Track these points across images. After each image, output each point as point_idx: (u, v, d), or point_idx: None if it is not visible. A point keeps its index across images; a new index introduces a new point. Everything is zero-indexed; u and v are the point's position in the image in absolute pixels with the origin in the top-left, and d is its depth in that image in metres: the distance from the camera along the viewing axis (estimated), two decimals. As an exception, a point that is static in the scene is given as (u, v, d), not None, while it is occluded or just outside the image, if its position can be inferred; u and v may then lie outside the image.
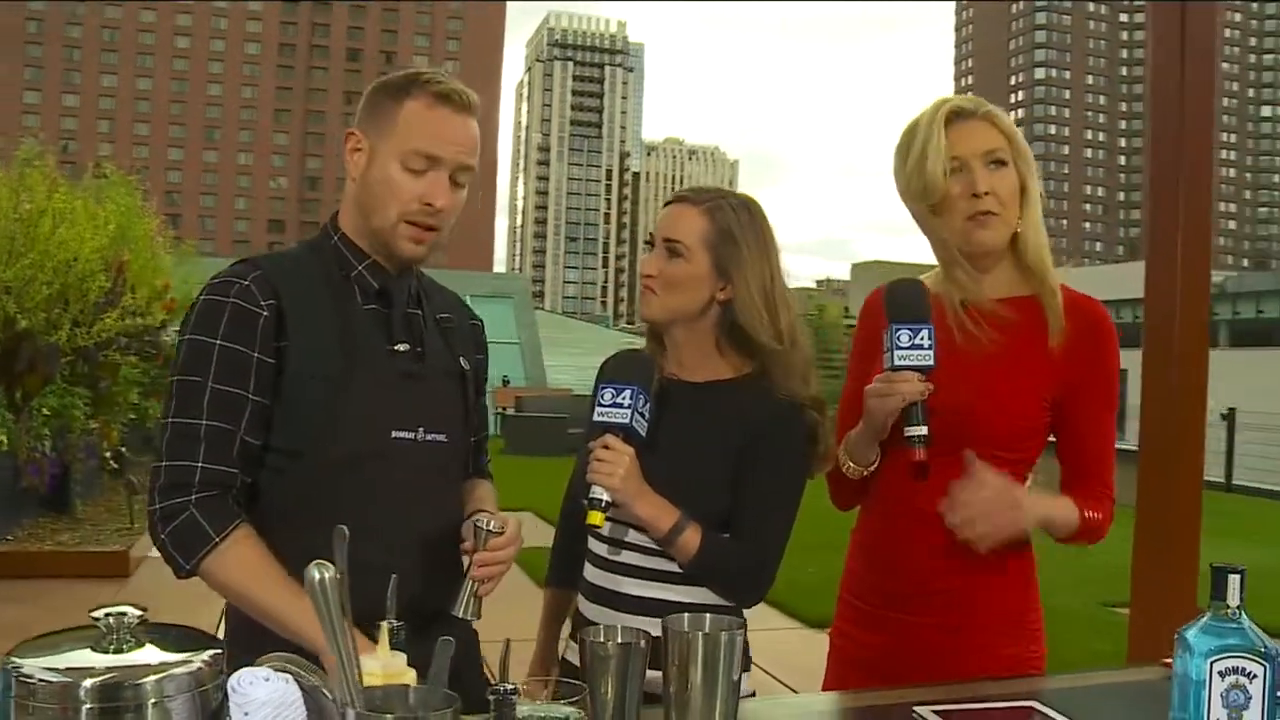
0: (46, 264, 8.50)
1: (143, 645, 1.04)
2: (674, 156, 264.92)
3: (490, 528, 1.71)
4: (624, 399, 1.77)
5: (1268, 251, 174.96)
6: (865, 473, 2.00)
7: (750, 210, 1.95)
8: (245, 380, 1.65)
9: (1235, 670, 1.19)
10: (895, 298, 1.84)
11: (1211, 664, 1.20)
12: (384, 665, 1.16)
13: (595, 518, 1.76)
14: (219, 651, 1.06)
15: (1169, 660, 1.84)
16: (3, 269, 8.24)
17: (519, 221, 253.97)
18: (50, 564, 7.43)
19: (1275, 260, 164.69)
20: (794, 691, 5.08)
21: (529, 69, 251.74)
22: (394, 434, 1.73)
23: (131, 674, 1.00)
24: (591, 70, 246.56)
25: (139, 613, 1.05)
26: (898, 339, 1.79)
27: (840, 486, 2.08)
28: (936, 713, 1.51)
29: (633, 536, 1.87)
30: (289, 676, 0.99)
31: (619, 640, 1.41)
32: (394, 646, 1.21)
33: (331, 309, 1.74)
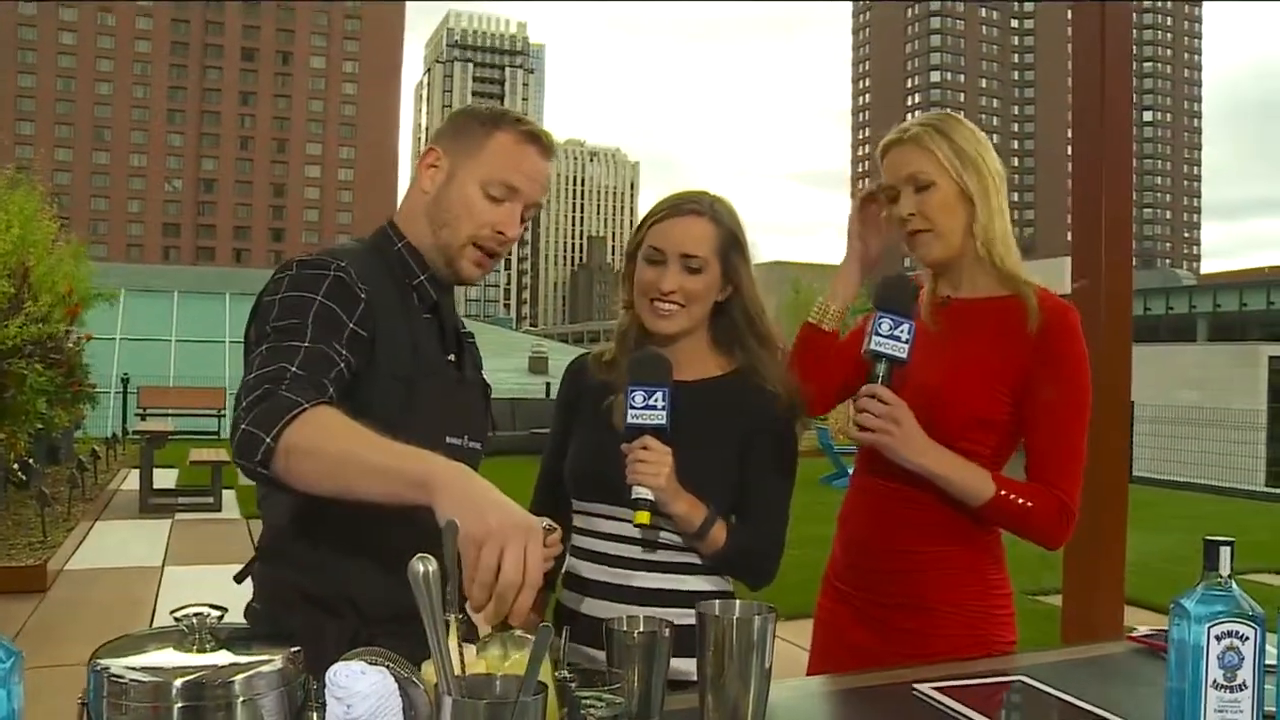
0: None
1: (224, 645, 1.08)
2: (575, 158, 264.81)
3: (544, 525, 1.75)
4: (657, 401, 1.83)
5: (1152, 250, 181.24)
6: (832, 319, 2.17)
7: (733, 207, 2.07)
8: (339, 336, 1.62)
9: (1230, 634, 1.29)
10: (885, 289, 1.94)
11: (1209, 629, 1.30)
12: (501, 646, 1.23)
13: (643, 517, 1.82)
14: (298, 650, 1.10)
15: (1135, 634, 1.98)
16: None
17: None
18: (-40, 582, 7.20)
19: (1159, 259, 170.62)
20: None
21: (428, 70, 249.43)
22: (448, 439, 1.78)
23: (220, 673, 1.04)
24: (492, 71, 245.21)
25: (217, 613, 1.09)
26: (879, 325, 1.89)
27: (808, 357, 2.17)
28: (939, 689, 1.60)
29: (640, 531, 1.94)
30: (384, 669, 1.04)
31: (642, 629, 1.47)
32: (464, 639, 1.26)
33: (400, 312, 1.78)
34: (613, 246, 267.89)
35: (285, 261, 1.74)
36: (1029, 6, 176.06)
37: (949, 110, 2.15)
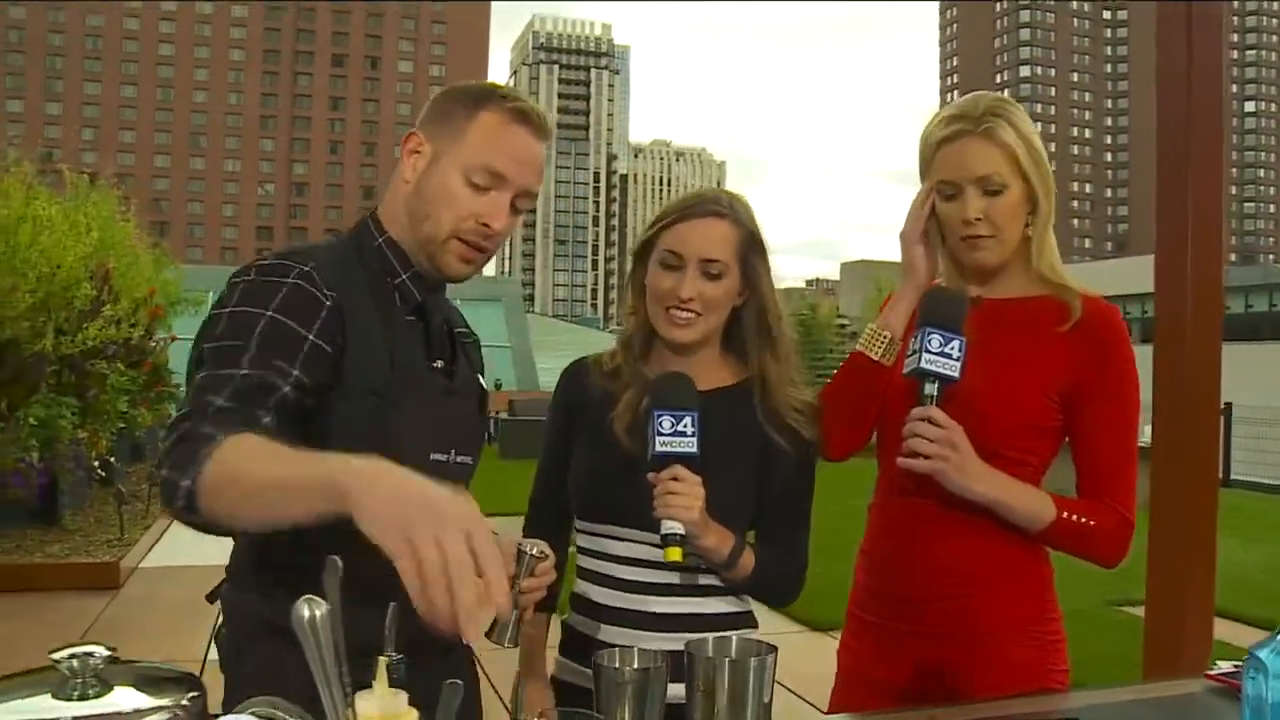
0: (28, 272, 8.37)
1: (110, 690, 0.94)
2: (661, 158, 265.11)
3: (535, 553, 1.60)
4: (686, 426, 1.69)
5: (1254, 246, 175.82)
6: (891, 349, 1.93)
7: (750, 206, 1.91)
8: (293, 355, 1.46)
9: (1318, 696, 1.09)
10: (935, 303, 1.79)
11: (1290, 687, 1.10)
12: (382, 705, 1.05)
13: (675, 554, 1.67)
14: (197, 694, 0.96)
15: (1213, 673, 1.77)
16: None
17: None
18: (39, 577, 7.33)
19: (1262, 254, 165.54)
20: (797, 696, 5.01)
21: (514, 73, 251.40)
22: (432, 456, 1.63)
23: (96, 725, 0.90)
24: (577, 73, 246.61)
25: (106, 652, 0.94)
26: (928, 342, 1.73)
27: (843, 401, 1.96)
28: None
29: (650, 553, 1.80)
30: (273, 724, 0.89)
31: (635, 665, 1.32)
32: (394, 683, 1.11)
33: (378, 316, 1.62)
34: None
35: (245, 265, 1.59)
36: (1121, 14, 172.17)
37: (999, 95, 1.92)
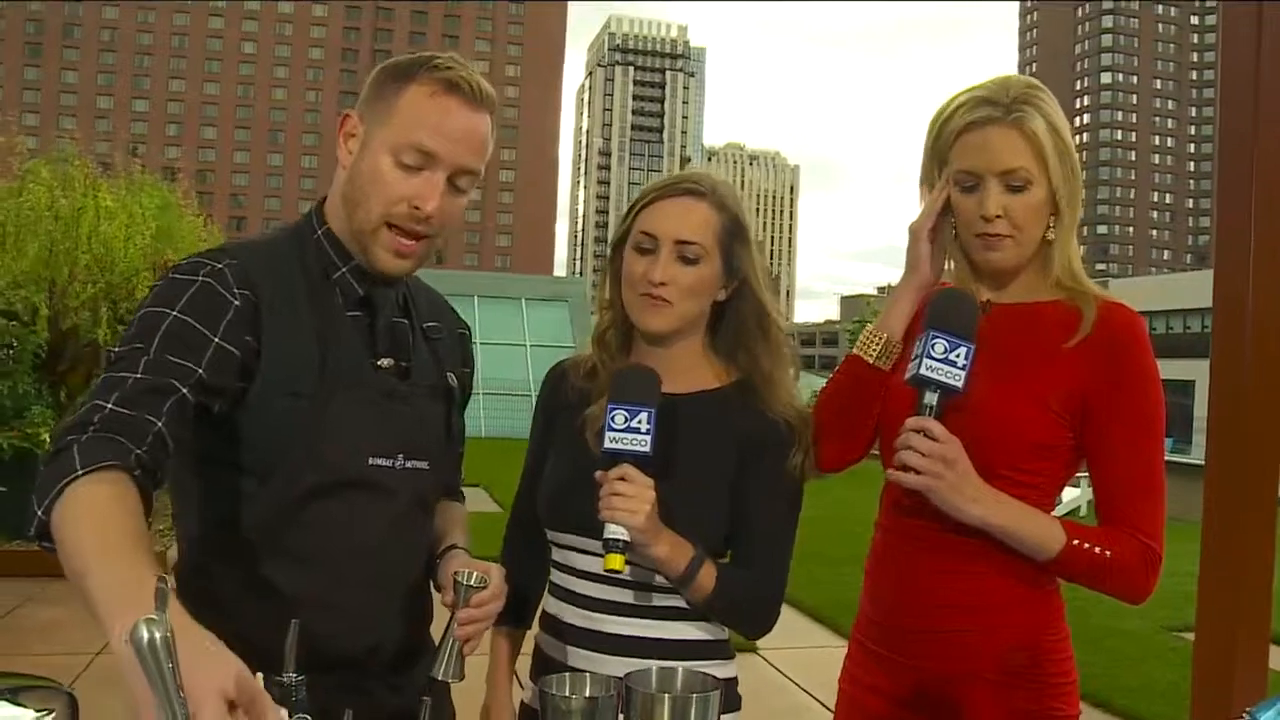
0: (88, 262, 8.50)
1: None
2: (735, 161, 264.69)
3: (472, 583, 1.51)
4: (640, 423, 1.55)
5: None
6: (888, 351, 1.78)
7: (737, 192, 1.78)
8: (197, 356, 1.39)
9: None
10: (944, 306, 1.63)
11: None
12: None
13: (615, 561, 1.53)
14: (69, 712, 0.87)
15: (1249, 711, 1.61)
16: (44, 267, 8.25)
17: (580, 226, 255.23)
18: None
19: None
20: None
21: (590, 74, 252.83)
22: (371, 461, 1.52)
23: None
24: (653, 75, 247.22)
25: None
26: (931, 347, 1.57)
27: (831, 413, 1.82)
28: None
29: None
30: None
31: (586, 693, 1.21)
32: (293, 703, 1.02)
33: (310, 312, 1.52)
34: (772, 250, 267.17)
35: (174, 264, 1.52)
36: (1209, 3, 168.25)
37: (1031, 80, 1.75)
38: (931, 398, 1.58)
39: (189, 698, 0.88)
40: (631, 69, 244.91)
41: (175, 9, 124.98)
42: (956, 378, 1.56)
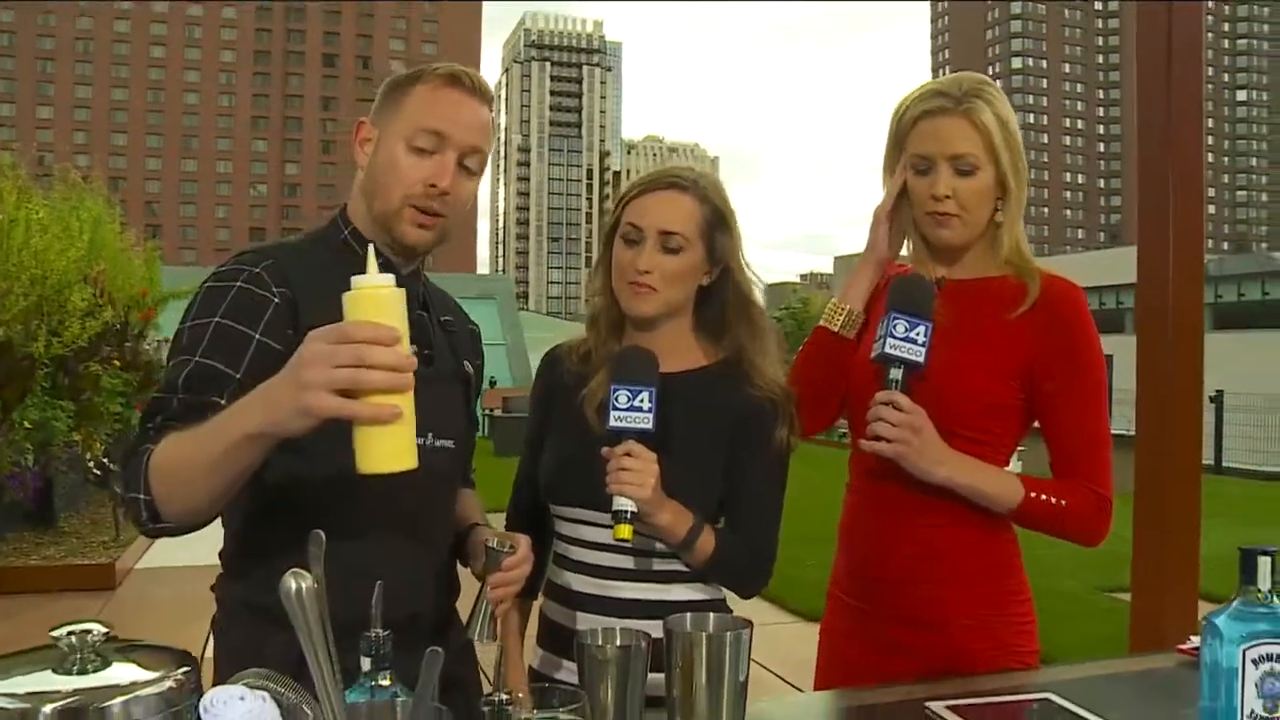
0: (21, 275, 8.37)
1: (109, 665, 0.97)
2: (654, 154, 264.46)
3: (503, 548, 1.64)
4: (643, 402, 1.67)
5: (1247, 234, 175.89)
6: (850, 322, 1.97)
7: (720, 184, 1.91)
8: (236, 361, 1.53)
9: (1270, 657, 1.13)
10: (903, 289, 1.79)
11: (1244, 651, 1.13)
12: (370, 279, 1.20)
13: (624, 531, 1.66)
14: (189, 669, 0.99)
15: (1184, 646, 1.80)
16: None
17: (501, 223, 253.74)
18: (35, 579, 7.34)
19: (1255, 243, 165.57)
20: (791, 686, 5.05)
21: (506, 70, 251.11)
22: None
23: (95, 696, 0.93)
24: (569, 70, 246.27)
25: (104, 630, 0.98)
26: (894, 327, 1.73)
27: (810, 369, 2.00)
28: (950, 708, 1.45)
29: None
30: (265, 694, 0.93)
31: (618, 643, 1.35)
32: (379, 657, 1.15)
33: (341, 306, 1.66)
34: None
35: (219, 266, 1.67)
36: (1113, 5, 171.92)
37: (983, 77, 1.92)
38: (896, 373, 1.74)
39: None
40: (548, 64, 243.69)
41: (78, 11, 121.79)
42: (918, 354, 1.73)
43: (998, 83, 1.98)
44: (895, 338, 1.73)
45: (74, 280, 8.86)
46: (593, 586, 1.84)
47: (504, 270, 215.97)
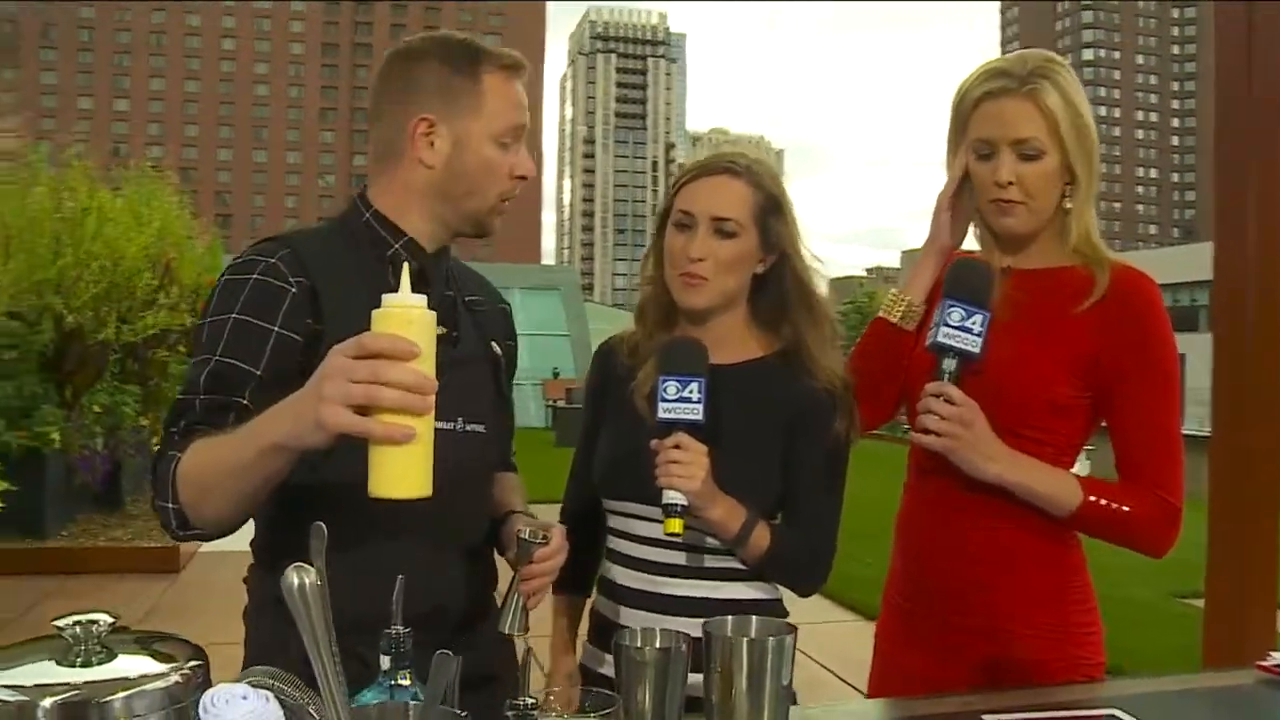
0: (92, 263, 8.52)
1: (114, 657, 0.93)
2: (719, 146, 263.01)
3: (535, 539, 1.57)
4: (692, 393, 1.61)
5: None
6: (911, 313, 1.87)
7: (775, 170, 1.84)
8: (256, 357, 1.51)
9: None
10: (961, 274, 1.69)
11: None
12: (401, 298, 1.18)
13: (674, 525, 1.60)
14: (199, 663, 0.95)
15: (1265, 663, 1.70)
16: (48, 268, 8.27)
17: (566, 215, 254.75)
18: (102, 560, 7.48)
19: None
20: (850, 686, 4.97)
21: (572, 63, 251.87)
22: (435, 425, 1.60)
23: (97, 690, 0.89)
24: (634, 62, 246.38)
25: (111, 620, 0.94)
26: (948, 315, 1.64)
27: (870, 361, 1.91)
28: (1009, 721, 1.37)
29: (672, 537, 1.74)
30: (269, 694, 0.88)
31: (657, 645, 1.29)
32: (399, 655, 1.10)
33: (365, 290, 1.56)
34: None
35: (236, 257, 1.63)
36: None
37: (1050, 55, 1.81)
38: (950, 363, 1.65)
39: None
40: (613, 56, 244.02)
41: (152, 8, 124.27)
42: (973, 344, 1.63)
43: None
44: (950, 326, 1.64)
45: (143, 267, 9.00)
46: (642, 582, 1.78)
47: (569, 262, 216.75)
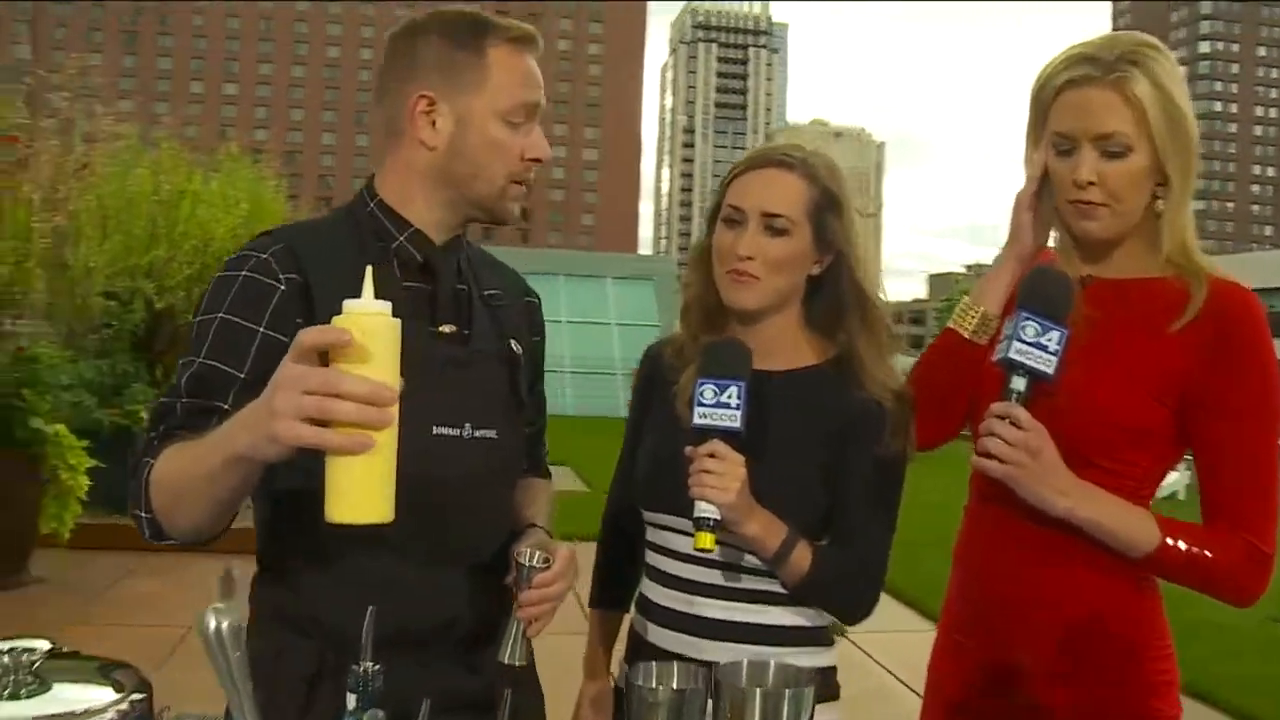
0: (184, 244, 8.68)
1: (48, 688, 0.86)
2: (820, 138, 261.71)
3: (534, 562, 1.47)
4: (730, 398, 1.50)
5: None
6: (985, 326, 1.69)
7: (833, 164, 1.72)
8: (240, 359, 1.44)
9: None
10: (1038, 284, 1.52)
11: None
12: (363, 304, 1.12)
13: (705, 540, 1.49)
14: (142, 696, 0.87)
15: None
16: (144, 251, 8.44)
17: (664, 205, 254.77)
18: (187, 539, 7.57)
19: None
20: (920, 696, 4.79)
21: (673, 52, 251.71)
22: (436, 430, 1.49)
23: (22, 727, 0.82)
24: (736, 52, 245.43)
25: (46, 646, 0.87)
26: (1021, 329, 1.46)
27: (933, 379, 1.74)
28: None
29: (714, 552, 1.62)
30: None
31: (673, 684, 1.19)
32: (364, 694, 1.02)
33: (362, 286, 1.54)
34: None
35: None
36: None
37: (1144, 37, 1.61)
38: (1019, 382, 1.48)
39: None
40: (714, 46, 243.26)
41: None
42: (1047, 363, 1.46)
43: (1183, 68, 1.67)
44: (1023, 342, 1.46)
45: (231, 249, 9.13)
46: (675, 601, 1.68)
47: (666, 252, 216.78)
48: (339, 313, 1.45)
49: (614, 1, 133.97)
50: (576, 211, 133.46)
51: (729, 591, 1.65)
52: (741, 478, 1.49)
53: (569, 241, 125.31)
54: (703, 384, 1.52)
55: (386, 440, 1.08)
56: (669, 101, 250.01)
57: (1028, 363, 1.46)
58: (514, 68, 1.54)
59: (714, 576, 1.65)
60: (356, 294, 1.45)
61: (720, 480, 1.48)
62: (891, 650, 5.40)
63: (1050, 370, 1.46)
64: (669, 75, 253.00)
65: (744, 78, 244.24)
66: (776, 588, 1.65)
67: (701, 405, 1.51)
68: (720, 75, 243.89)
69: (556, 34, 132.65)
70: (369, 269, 1.16)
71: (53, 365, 6.25)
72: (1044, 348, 1.46)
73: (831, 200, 1.67)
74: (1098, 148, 1.56)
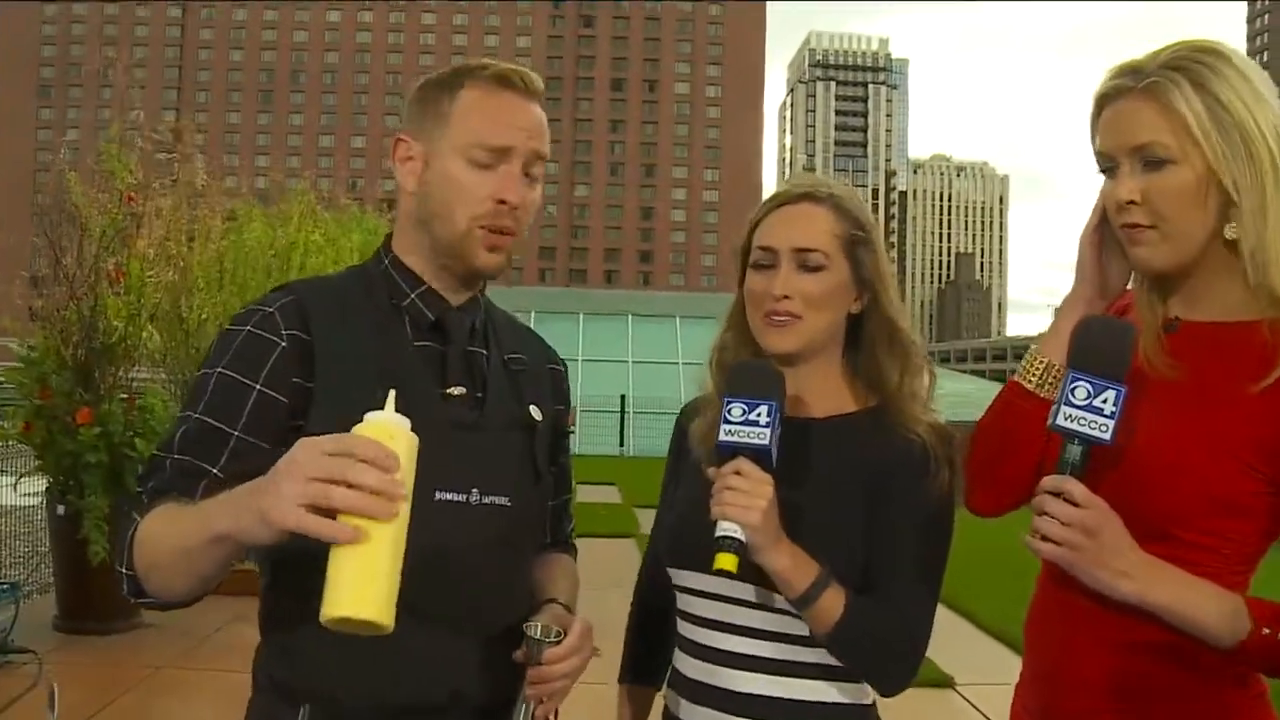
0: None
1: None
2: (941, 173, 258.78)
3: (542, 637, 1.39)
4: (760, 416, 1.38)
5: None
6: (1051, 377, 1.47)
7: (859, 196, 1.62)
8: (234, 416, 1.40)
9: None
10: (1088, 338, 1.34)
11: None
12: (387, 417, 1.11)
13: (726, 561, 1.34)
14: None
15: None
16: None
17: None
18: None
19: None
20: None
21: (791, 91, 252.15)
22: (439, 495, 1.41)
23: None
24: (854, 89, 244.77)
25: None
26: (1071, 391, 1.29)
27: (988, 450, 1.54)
28: None
29: (740, 616, 1.50)
30: None
31: None
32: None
33: (374, 343, 1.47)
34: (982, 262, 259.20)
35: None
36: None
37: (1203, 42, 1.40)
38: (1074, 451, 1.30)
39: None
40: (833, 84, 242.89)
41: (390, 50, 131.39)
42: (1103, 428, 1.28)
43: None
44: (1073, 405, 1.29)
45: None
46: (703, 673, 1.54)
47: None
48: (342, 372, 1.38)
49: (731, 40, 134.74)
50: (697, 253, 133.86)
51: (759, 662, 1.50)
52: (768, 497, 1.36)
53: (692, 282, 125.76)
54: (731, 402, 1.40)
55: (392, 536, 1.06)
56: (788, 140, 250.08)
57: (1080, 429, 1.29)
58: (483, 107, 1.48)
59: (744, 645, 1.51)
60: (363, 353, 1.39)
61: (745, 499, 1.35)
62: (1004, 705, 5.06)
63: (1107, 435, 1.28)
64: (787, 114, 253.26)
65: (863, 114, 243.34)
66: (816, 658, 1.49)
67: (729, 423, 1.39)
68: (839, 113, 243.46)
69: (674, 78, 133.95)
70: (391, 392, 1.14)
71: (164, 415, 6.34)
72: (1098, 410, 1.28)
73: (864, 234, 1.57)
74: (1136, 163, 1.38)
